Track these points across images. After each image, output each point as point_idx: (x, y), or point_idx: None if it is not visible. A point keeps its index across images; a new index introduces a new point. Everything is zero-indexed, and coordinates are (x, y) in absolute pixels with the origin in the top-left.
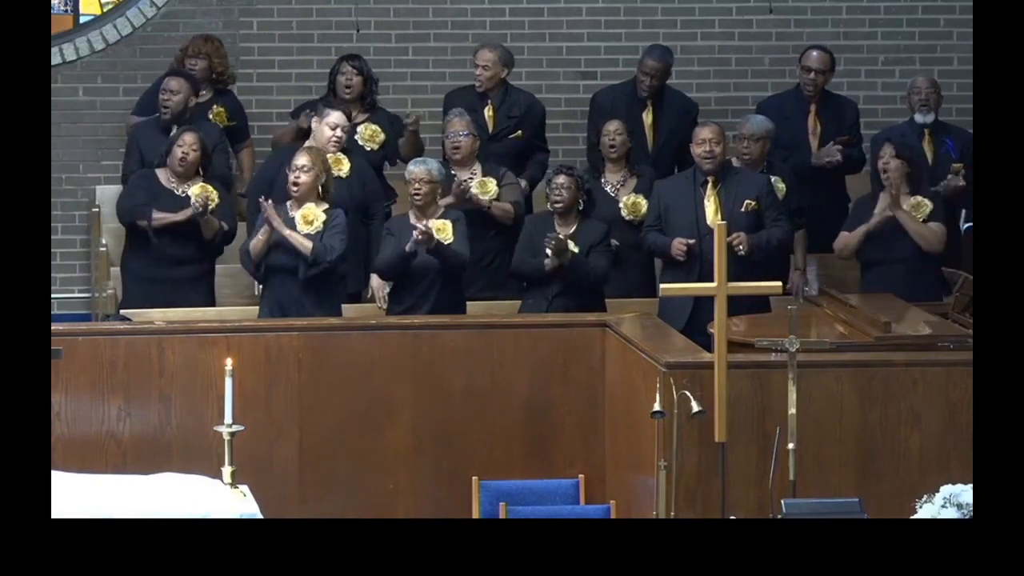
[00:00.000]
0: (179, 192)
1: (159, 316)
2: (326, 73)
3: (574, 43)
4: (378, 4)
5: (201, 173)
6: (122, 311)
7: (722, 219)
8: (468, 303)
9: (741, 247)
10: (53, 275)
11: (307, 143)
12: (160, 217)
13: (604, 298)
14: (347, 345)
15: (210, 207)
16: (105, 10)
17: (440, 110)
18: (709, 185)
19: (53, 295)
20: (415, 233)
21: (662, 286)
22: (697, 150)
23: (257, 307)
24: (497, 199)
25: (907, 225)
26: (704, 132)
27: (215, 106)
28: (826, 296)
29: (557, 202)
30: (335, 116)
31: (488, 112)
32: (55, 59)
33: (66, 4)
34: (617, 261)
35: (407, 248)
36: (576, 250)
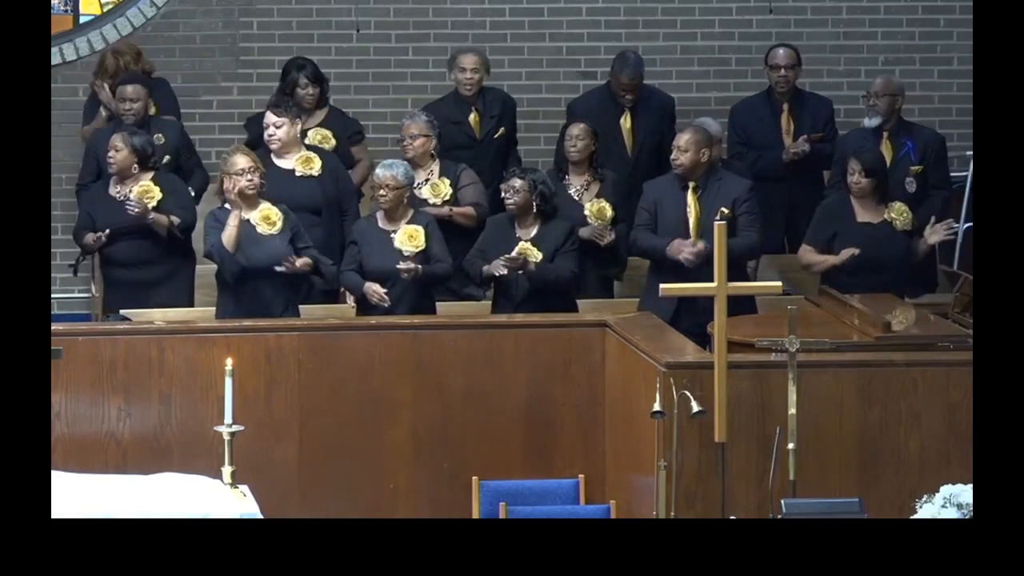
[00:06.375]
0: (119, 196)
1: (159, 316)
2: (325, 73)
3: (574, 43)
4: (378, 4)
5: (137, 170)
6: (122, 311)
7: (700, 226)
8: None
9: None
10: (53, 275)
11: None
12: (100, 234)
13: (575, 300)
14: (347, 345)
15: (149, 205)
16: (105, 10)
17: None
18: (690, 191)
19: (53, 295)
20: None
21: (662, 286)
22: (672, 155)
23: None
24: (455, 201)
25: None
26: (678, 139)
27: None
28: (826, 296)
29: (508, 204)
30: (267, 116)
31: (473, 118)
32: (55, 59)
33: (66, 4)
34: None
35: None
36: (540, 256)
